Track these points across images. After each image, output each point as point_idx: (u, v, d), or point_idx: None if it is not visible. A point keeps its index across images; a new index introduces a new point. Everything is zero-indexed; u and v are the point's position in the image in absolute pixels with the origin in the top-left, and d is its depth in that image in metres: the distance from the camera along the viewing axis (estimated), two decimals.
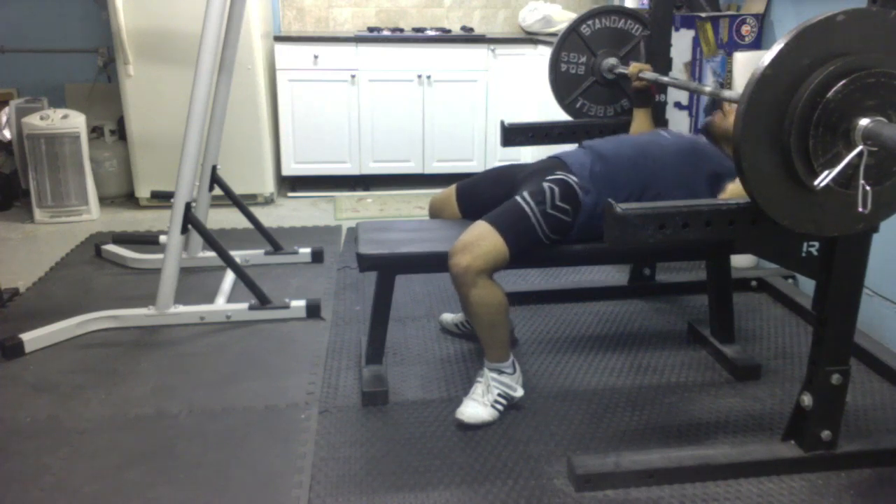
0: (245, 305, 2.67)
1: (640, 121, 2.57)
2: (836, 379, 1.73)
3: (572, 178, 2.04)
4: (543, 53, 4.02)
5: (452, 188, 2.36)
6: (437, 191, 2.46)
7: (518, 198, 2.02)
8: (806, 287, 2.86)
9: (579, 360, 2.38)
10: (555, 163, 2.15)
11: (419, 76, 4.28)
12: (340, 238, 3.62)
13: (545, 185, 2.03)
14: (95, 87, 4.30)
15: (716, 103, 3.16)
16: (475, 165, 4.43)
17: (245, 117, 3.96)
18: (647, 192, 2.03)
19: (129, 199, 4.22)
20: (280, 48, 4.15)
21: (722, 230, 1.62)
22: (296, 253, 3.27)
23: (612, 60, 2.68)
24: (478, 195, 2.28)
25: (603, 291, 2.87)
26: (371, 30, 4.53)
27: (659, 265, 2.94)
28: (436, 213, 2.40)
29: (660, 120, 2.66)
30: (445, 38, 4.34)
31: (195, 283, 2.97)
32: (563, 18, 4.33)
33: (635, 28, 2.69)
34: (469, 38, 4.38)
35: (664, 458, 1.79)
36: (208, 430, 2.00)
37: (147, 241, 3.30)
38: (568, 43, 2.69)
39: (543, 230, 1.99)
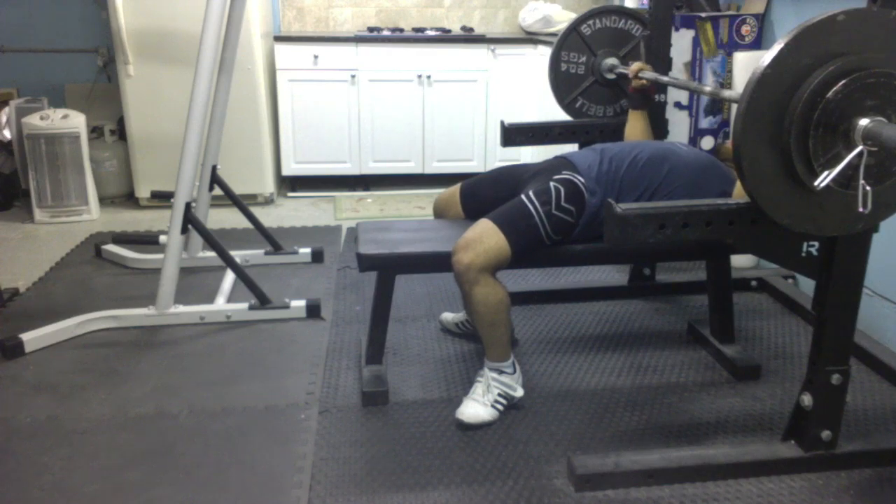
0: (245, 305, 2.67)
1: (636, 123, 2.54)
2: (836, 379, 1.73)
3: (579, 179, 2.04)
4: (543, 53, 4.02)
5: (457, 187, 2.35)
6: (438, 191, 2.46)
7: (523, 196, 2.01)
8: (806, 287, 2.86)
9: (579, 360, 2.38)
10: (562, 162, 2.14)
11: (419, 76, 4.28)
12: (340, 238, 3.62)
13: (552, 184, 2.02)
14: (95, 87, 4.30)
15: (716, 104, 3.17)
16: (475, 165, 4.44)
17: (245, 117, 3.96)
18: (654, 198, 2.02)
19: (129, 199, 4.22)
20: (280, 48, 4.15)
21: (722, 230, 1.62)
22: (296, 253, 3.26)
23: (612, 60, 2.68)
24: (481, 194, 2.28)
25: (603, 291, 2.87)
26: (371, 30, 4.53)
27: (659, 265, 2.94)
28: (440, 211, 2.39)
29: (660, 120, 2.66)
30: (445, 38, 4.34)
31: (195, 283, 2.97)
32: (563, 18, 4.33)
33: (635, 28, 2.70)
34: (469, 38, 4.38)
35: (664, 458, 1.79)
36: (208, 430, 2.00)
37: (147, 241, 3.30)
38: (568, 43, 2.69)
39: (546, 230, 1.99)
